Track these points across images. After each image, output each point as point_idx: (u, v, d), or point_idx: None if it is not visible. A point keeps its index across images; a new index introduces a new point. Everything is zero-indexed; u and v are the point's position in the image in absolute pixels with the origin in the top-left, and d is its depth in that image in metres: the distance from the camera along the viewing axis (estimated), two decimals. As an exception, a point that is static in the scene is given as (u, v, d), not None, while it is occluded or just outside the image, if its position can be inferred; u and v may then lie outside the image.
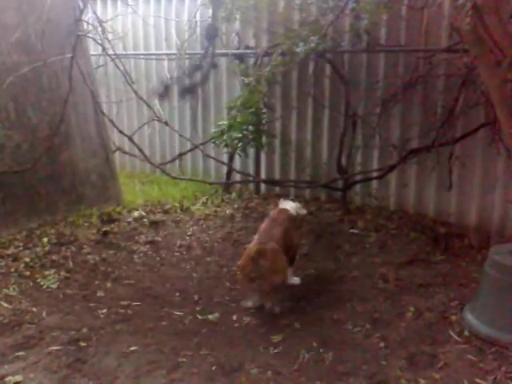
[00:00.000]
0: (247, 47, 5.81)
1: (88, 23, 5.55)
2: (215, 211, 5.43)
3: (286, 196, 5.79)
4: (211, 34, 4.24)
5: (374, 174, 5.20)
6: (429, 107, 4.82)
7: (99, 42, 5.49)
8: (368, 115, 5.05)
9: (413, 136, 4.92)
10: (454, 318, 3.26)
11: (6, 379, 2.70)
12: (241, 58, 5.79)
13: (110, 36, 5.66)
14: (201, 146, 5.97)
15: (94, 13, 5.66)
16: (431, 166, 4.75)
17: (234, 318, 3.37)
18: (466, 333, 3.08)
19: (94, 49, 6.10)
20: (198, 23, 6.08)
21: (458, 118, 4.55)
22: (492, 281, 3.12)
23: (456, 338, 3.05)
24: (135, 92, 5.71)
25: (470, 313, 3.20)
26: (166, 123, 5.89)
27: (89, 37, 5.47)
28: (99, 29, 5.48)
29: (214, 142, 5.48)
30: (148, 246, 4.58)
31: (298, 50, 4.66)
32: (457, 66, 4.43)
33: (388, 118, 5.01)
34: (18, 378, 2.72)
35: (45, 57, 4.56)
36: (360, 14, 4.86)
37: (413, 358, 2.86)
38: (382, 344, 3.02)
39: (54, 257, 4.23)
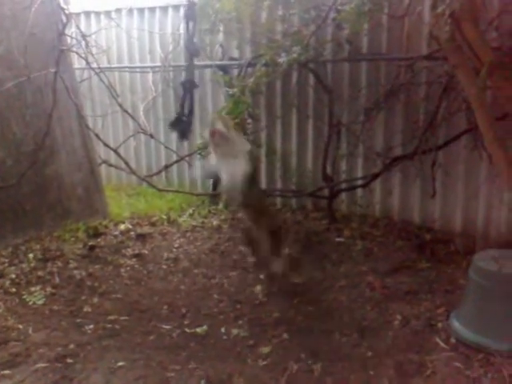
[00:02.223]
0: (231, 58, 5.83)
1: (71, 37, 5.55)
2: (202, 222, 5.43)
3: (272, 205, 5.82)
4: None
5: (359, 182, 5.23)
6: (411, 115, 4.87)
7: (83, 55, 5.50)
8: (352, 124, 5.08)
9: (396, 144, 4.96)
10: (440, 325, 3.28)
11: (-8, 399, 2.68)
12: (225, 69, 5.81)
13: (93, 50, 5.67)
14: (187, 158, 5.97)
15: (78, 27, 5.67)
16: (415, 173, 4.79)
17: (223, 330, 3.37)
18: (453, 340, 3.10)
19: (78, 63, 6.10)
20: (182, 36, 6.13)
21: (440, 125, 4.60)
22: (477, 287, 3.14)
23: (443, 345, 3.07)
24: (120, 105, 5.71)
25: (456, 320, 3.23)
26: (152, 136, 5.89)
27: (72, 51, 5.46)
28: (83, 43, 5.49)
29: (199, 154, 5.49)
30: (135, 259, 4.56)
31: (280, 60, 4.69)
32: (438, 73, 4.49)
33: (371, 127, 5.04)
34: (4, 397, 2.70)
35: (28, 72, 4.55)
36: (341, 24, 4.91)
37: (401, 367, 2.87)
38: (369, 353, 3.02)
39: (39, 273, 4.20)
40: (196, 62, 6.04)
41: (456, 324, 3.18)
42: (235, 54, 5.85)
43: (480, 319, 3.09)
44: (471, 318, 3.13)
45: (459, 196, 4.76)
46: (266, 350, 3.10)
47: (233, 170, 3.67)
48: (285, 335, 3.26)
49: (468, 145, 4.52)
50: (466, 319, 3.15)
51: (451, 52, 3.26)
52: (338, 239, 4.79)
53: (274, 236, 3.82)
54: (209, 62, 5.91)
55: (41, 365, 2.97)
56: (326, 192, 5.36)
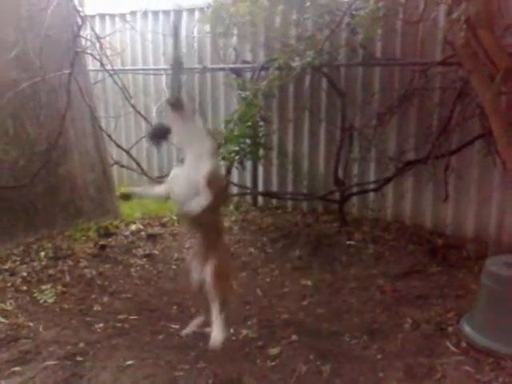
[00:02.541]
0: (244, 62, 5.86)
1: (86, 39, 5.60)
2: (213, 224, 5.43)
3: (283, 208, 5.81)
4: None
5: (371, 186, 5.22)
6: (424, 119, 4.86)
7: (97, 57, 5.55)
8: (364, 128, 5.07)
9: (409, 148, 4.94)
10: (451, 329, 3.26)
11: (2, 394, 2.70)
12: (238, 72, 5.83)
13: (108, 52, 5.72)
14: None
15: (92, 29, 5.73)
16: (427, 177, 4.77)
17: (231, 330, 3.36)
18: (463, 344, 3.08)
19: (92, 64, 6.15)
20: (196, 38, 6.16)
21: (453, 130, 4.58)
22: (488, 292, 3.12)
23: (453, 349, 3.04)
24: (133, 106, 5.75)
25: (467, 324, 3.20)
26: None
27: (87, 53, 5.52)
28: (97, 45, 5.54)
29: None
30: (145, 259, 4.58)
31: (294, 64, 4.71)
32: (452, 78, 4.48)
33: (384, 131, 5.03)
34: (14, 393, 2.71)
35: (43, 73, 4.60)
36: (356, 29, 4.91)
37: (410, 370, 2.85)
38: (379, 356, 3.01)
39: (50, 271, 4.22)
40: (210, 66, 6.07)
41: (467, 328, 3.16)
42: (248, 57, 5.87)
43: (491, 324, 3.07)
44: (482, 322, 3.11)
45: (472, 201, 4.73)
46: (274, 351, 3.09)
47: (194, 168, 2.91)
48: (294, 336, 3.24)
49: (481, 150, 4.50)
50: (477, 324, 3.13)
51: (466, 57, 3.25)
52: (348, 242, 4.78)
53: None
54: (222, 65, 5.94)
55: (51, 362, 2.99)
56: (337, 195, 5.35)
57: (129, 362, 2.97)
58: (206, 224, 2.98)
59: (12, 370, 2.91)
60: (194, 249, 3.05)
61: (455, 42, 3.20)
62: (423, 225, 5.01)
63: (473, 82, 3.38)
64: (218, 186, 3.00)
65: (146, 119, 5.86)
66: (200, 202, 2.81)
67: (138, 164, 5.57)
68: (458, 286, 3.89)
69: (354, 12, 4.76)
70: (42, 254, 4.50)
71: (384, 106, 4.95)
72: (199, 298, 3.19)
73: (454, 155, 4.67)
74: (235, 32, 5.65)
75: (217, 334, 3.00)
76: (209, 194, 2.82)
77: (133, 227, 5.24)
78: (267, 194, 5.97)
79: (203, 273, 3.02)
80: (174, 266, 4.46)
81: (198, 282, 3.10)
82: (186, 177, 2.94)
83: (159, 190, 3.13)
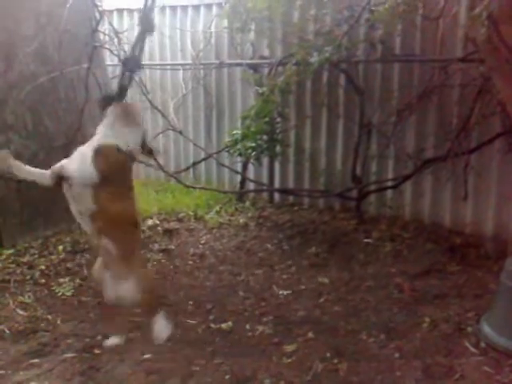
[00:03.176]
0: (261, 57, 5.83)
1: (104, 34, 5.61)
2: (229, 220, 5.44)
3: (300, 205, 5.79)
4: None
5: (389, 184, 5.17)
6: (444, 117, 4.80)
7: (115, 52, 5.55)
8: (383, 125, 5.03)
9: (428, 146, 4.89)
10: (470, 329, 3.22)
11: (21, 386, 2.72)
12: (255, 67, 5.81)
13: (126, 47, 5.72)
14: (215, 155, 5.99)
15: (111, 24, 5.73)
16: (446, 175, 4.72)
17: (248, 326, 3.36)
18: (483, 344, 3.04)
19: (110, 59, 6.17)
20: (213, 34, 6.16)
21: (473, 127, 4.52)
22: (508, 292, 3.08)
23: (472, 349, 3.01)
24: (150, 102, 5.75)
25: (486, 324, 3.16)
26: (181, 132, 5.93)
27: (105, 48, 5.53)
28: (115, 40, 5.54)
29: (227, 151, 5.51)
30: (162, 254, 4.60)
31: (312, 60, 4.68)
32: (472, 75, 4.42)
33: (403, 128, 4.99)
34: (33, 384, 2.74)
35: (62, 67, 4.61)
36: (375, 24, 4.87)
37: (428, 370, 2.83)
38: (397, 355, 2.99)
39: (68, 264, 4.27)
40: (227, 61, 6.06)
41: (486, 328, 3.12)
42: (266, 52, 5.85)
43: (511, 324, 3.03)
44: (502, 322, 3.07)
45: (491, 200, 4.66)
46: (290, 347, 3.09)
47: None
48: (310, 334, 3.23)
49: (502, 148, 4.44)
50: (496, 324, 3.09)
51: (488, 54, 3.20)
52: (366, 240, 4.74)
53: None
54: (239, 61, 5.92)
55: (68, 355, 3.02)
56: (354, 193, 5.32)
57: (146, 356, 3.00)
58: (112, 221, 2.70)
59: (30, 362, 2.95)
60: (102, 256, 2.73)
61: (477, 38, 3.15)
62: (442, 223, 4.95)
63: (494, 78, 3.33)
64: (114, 164, 2.78)
65: (163, 114, 5.87)
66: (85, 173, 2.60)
67: (155, 159, 5.57)
68: (477, 285, 3.85)
69: (373, 7, 4.72)
70: (61, 247, 4.54)
71: (403, 103, 4.89)
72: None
73: (474, 153, 4.61)
74: (253, 27, 5.62)
75: (160, 327, 2.99)
76: (99, 168, 2.62)
77: (149, 222, 5.26)
78: (284, 191, 5.95)
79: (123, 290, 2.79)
80: (190, 262, 4.47)
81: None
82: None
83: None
